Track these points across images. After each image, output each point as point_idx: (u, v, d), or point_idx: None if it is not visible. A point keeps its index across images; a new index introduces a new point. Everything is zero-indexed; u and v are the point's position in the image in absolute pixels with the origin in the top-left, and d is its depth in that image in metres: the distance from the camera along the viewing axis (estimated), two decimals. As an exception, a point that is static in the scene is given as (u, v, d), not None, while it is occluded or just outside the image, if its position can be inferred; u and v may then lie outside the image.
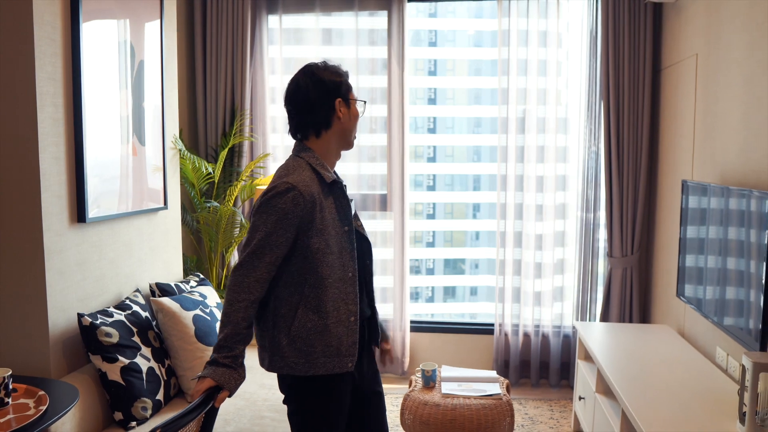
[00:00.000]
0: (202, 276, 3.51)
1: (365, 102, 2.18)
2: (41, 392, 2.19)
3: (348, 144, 2.12)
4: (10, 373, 2.10)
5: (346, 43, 4.40)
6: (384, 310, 4.41)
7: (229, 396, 1.92)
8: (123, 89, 2.99)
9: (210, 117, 4.34)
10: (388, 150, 4.39)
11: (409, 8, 4.32)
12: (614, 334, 3.53)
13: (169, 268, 3.49)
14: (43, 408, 2.07)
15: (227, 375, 1.91)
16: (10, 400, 2.11)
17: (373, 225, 4.49)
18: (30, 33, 2.43)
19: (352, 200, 2.12)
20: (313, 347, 1.98)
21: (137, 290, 3.10)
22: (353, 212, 2.12)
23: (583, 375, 3.51)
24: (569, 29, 4.21)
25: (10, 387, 2.10)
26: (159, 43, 3.29)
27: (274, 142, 4.48)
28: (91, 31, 2.74)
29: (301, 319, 1.97)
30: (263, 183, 4.23)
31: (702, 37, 3.33)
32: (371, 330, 2.18)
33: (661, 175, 4.01)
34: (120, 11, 2.98)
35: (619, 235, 4.10)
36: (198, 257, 4.21)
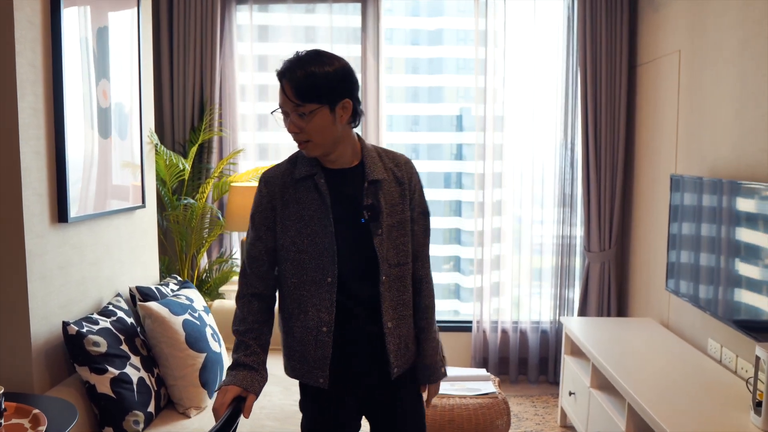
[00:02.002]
0: (179, 278, 3.32)
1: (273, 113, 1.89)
2: (35, 411, 1.98)
3: None
4: (2, 390, 1.89)
5: (319, 39, 4.27)
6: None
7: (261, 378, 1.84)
8: (101, 79, 2.78)
9: (177, 111, 4.12)
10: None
11: (385, 3, 4.24)
12: (601, 328, 3.54)
13: (147, 270, 3.28)
14: (43, 429, 1.88)
15: (250, 378, 1.81)
16: (2, 420, 1.90)
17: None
18: (10, 14, 2.21)
19: (368, 204, 1.85)
20: (285, 347, 1.94)
21: (119, 295, 2.90)
22: (368, 216, 1.86)
23: (573, 370, 3.51)
24: (547, 26, 4.20)
25: (2, 407, 1.89)
26: (136, 31, 3.08)
27: (244, 140, 4.31)
28: (70, 16, 2.52)
29: (280, 316, 1.95)
30: (237, 180, 4.05)
31: (685, 34, 3.37)
32: (383, 352, 1.88)
33: (638, 169, 4.06)
34: (97, -5, 2.77)
35: (597, 229, 4.13)
36: (168, 258, 3.99)
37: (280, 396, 2.89)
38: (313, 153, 1.82)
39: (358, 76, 4.11)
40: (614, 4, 4.01)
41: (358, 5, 4.21)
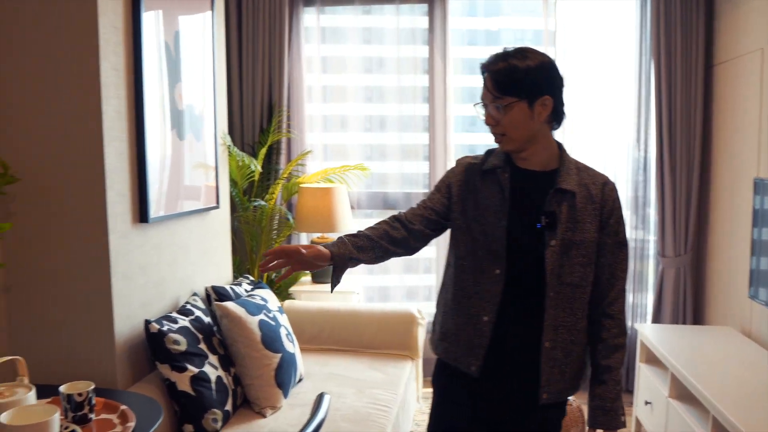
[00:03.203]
0: (252, 278, 3.35)
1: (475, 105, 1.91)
2: (123, 407, 2.01)
3: None
4: (93, 387, 1.93)
5: (386, 41, 4.27)
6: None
7: (332, 260, 1.81)
8: (177, 82, 2.82)
9: (246, 113, 4.17)
10: (431, 149, 4.27)
11: (452, 4, 4.20)
12: (678, 336, 3.42)
13: (220, 270, 3.33)
14: (131, 425, 1.91)
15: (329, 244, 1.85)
16: (93, 416, 1.94)
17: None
18: (94, 19, 2.26)
19: (548, 211, 1.79)
20: (441, 327, 1.96)
21: (195, 294, 2.94)
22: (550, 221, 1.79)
23: (648, 379, 3.39)
24: (619, 25, 4.09)
25: (93, 402, 1.93)
26: (211, 35, 3.12)
27: (311, 141, 4.33)
28: (149, 20, 2.57)
29: (441, 294, 1.99)
30: (306, 181, 4.07)
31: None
32: (535, 371, 1.82)
33: (715, 172, 3.91)
34: (176, 1, 2.81)
35: (672, 234, 4.00)
36: (239, 258, 4.04)
37: (353, 398, 2.88)
38: (507, 147, 1.82)
39: (425, 77, 4.13)
40: (689, 2, 3.87)
41: (425, 6, 4.18)
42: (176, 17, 2.82)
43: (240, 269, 3.98)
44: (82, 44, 2.25)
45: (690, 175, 3.97)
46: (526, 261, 1.81)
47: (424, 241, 1.96)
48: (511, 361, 1.85)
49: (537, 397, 1.83)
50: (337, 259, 1.81)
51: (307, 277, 4.11)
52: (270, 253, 1.81)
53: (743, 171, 3.51)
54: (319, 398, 1.83)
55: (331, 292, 1.90)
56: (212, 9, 3.12)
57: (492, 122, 1.78)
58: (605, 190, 1.85)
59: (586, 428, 1.98)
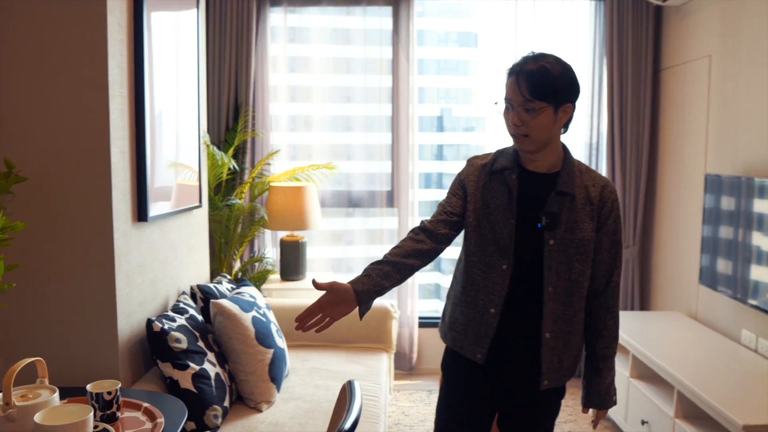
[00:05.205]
0: (229, 276, 3.37)
1: (496, 103, 2.02)
2: (146, 404, 2.03)
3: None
4: (119, 385, 1.94)
5: (352, 41, 4.35)
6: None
7: (357, 300, 1.87)
8: (171, 80, 2.82)
9: (212, 112, 4.16)
10: (394, 148, 4.39)
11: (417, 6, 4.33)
12: (632, 321, 3.68)
13: (200, 269, 3.33)
14: (161, 421, 1.93)
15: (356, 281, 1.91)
16: (120, 413, 1.95)
17: (379, 222, 4.48)
18: (103, 16, 2.25)
19: (549, 211, 1.90)
20: (450, 316, 2.08)
21: (184, 293, 2.94)
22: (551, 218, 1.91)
23: (608, 362, 3.64)
24: (574, 30, 4.33)
25: (120, 400, 1.94)
26: (195, 33, 3.12)
27: (277, 140, 4.36)
28: (150, 18, 2.57)
29: (452, 284, 2.11)
30: (274, 180, 4.11)
31: (717, 39, 3.53)
32: (537, 360, 1.96)
33: (662, 170, 4.22)
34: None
35: (622, 227, 4.27)
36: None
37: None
38: (527, 148, 1.91)
39: (389, 77, 4.24)
40: (640, 10, 4.16)
41: (390, 8, 4.29)
42: (172, 15, 2.82)
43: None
44: (92, 42, 2.24)
45: (639, 173, 4.26)
46: (529, 258, 1.94)
47: (449, 243, 2.06)
48: (514, 350, 1.99)
49: (538, 383, 1.98)
50: (363, 296, 1.88)
51: (276, 275, 4.14)
52: (302, 317, 1.85)
53: (690, 168, 3.82)
54: (350, 385, 1.90)
55: (360, 319, 1.98)
56: (197, 7, 3.12)
57: (518, 122, 1.86)
58: (604, 192, 1.98)
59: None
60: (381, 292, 1.91)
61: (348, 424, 1.68)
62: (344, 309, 1.87)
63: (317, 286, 1.84)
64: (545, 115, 1.84)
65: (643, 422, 3.18)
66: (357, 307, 1.89)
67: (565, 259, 1.92)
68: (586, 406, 2.09)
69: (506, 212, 1.94)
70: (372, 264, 1.94)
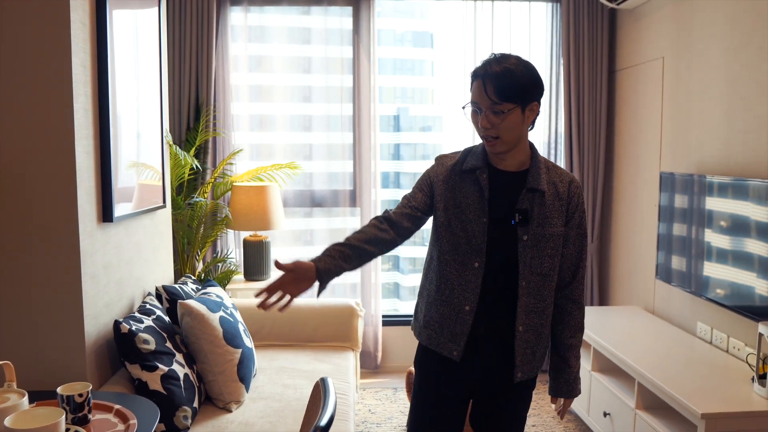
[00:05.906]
0: (193, 277, 3.35)
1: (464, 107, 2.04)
2: (117, 406, 2.00)
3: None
4: (90, 388, 1.91)
5: (313, 41, 4.36)
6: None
7: (318, 278, 1.88)
8: (133, 79, 2.79)
9: (173, 111, 4.11)
10: (356, 148, 4.41)
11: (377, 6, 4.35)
12: (594, 316, 3.78)
13: (164, 270, 3.29)
14: (134, 423, 1.91)
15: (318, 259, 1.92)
16: (91, 416, 1.92)
17: (341, 222, 4.49)
18: (66, 14, 2.22)
19: (521, 208, 1.95)
20: (425, 315, 2.08)
21: (150, 294, 2.91)
22: (527, 215, 1.96)
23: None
24: (531, 31, 4.42)
25: (91, 402, 1.92)
26: (157, 31, 3.09)
27: (238, 140, 4.33)
28: (113, 17, 2.53)
29: (424, 284, 2.11)
30: (236, 180, 4.08)
31: (669, 42, 3.65)
32: (510, 353, 2.01)
33: (618, 168, 4.34)
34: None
35: (579, 224, 4.38)
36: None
37: (310, 388, 2.96)
38: (498, 149, 1.94)
39: (350, 77, 4.26)
40: (595, 13, 4.27)
41: (350, 8, 4.31)
42: (133, 14, 2.78)
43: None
44: (55, 39, 2.21)
45: (596, 172, 4.38)
46: (502, 254, 1.99)
47: (408, 237, 2.10)
48: (488, 345, 2.03)
49: (512, 376, 2.03)
50: (324, 275, 1.89)
51: (239, 276, 4.12)
52: (262, 292, 1.85)
53: (646, 167, 3.94)
54: (323, 383, 1.92)
55: (317, 297, 1.98)
56: (158, 6, 3.09)
57: (488, 125, 1.89)
58: (571, 187, 2.04)
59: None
60: (339, 274, 1.93)
61: (324, 421, 1.70)
62: (304, 286, 1.88)
63: (280, 266, 1.84)
64: (514, 115, 1.88)
65: (605, 414, 3.27)
66: (316, 285, 1.90)
67: (538, 254, 1.97)
68: (554, 396, 2.15)
69: (478, 211, 1.97)
70: (334, 245, 1.95)
